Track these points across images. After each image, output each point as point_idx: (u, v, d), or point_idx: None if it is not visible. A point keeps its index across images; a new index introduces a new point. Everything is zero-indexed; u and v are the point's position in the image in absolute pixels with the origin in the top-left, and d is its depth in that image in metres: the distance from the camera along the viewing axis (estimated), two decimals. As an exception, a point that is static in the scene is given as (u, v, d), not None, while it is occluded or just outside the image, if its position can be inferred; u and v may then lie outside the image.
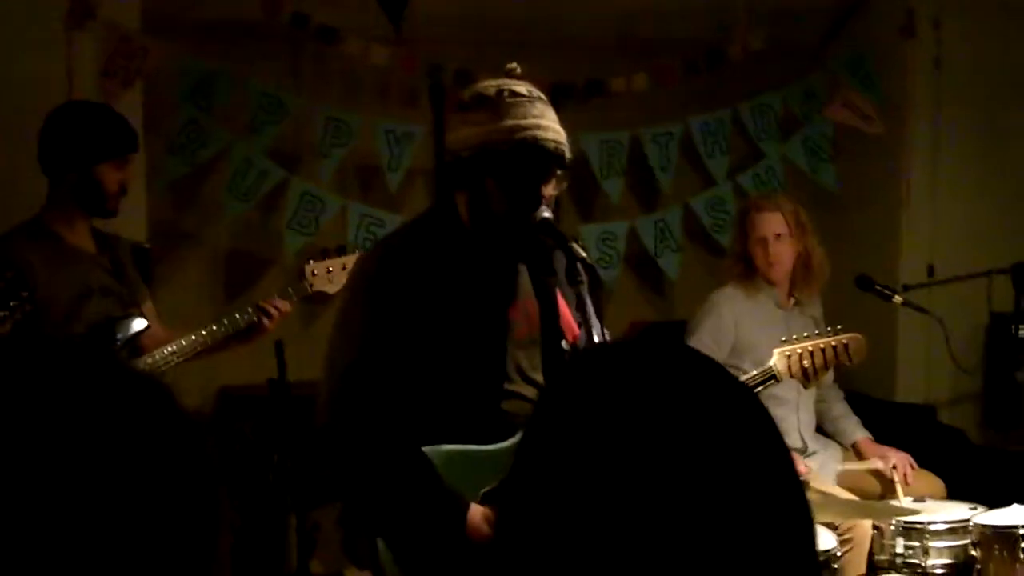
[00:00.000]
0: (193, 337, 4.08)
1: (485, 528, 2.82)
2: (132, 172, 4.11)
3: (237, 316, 4.17)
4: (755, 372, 3.49)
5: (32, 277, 3.83)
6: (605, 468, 1.09)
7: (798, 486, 1.15)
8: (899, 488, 4.49)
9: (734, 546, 1.08)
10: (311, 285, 4.30)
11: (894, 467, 4.60)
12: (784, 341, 3.52)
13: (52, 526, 1.00)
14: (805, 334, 3.56)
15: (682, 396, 1.13)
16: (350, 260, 4.29)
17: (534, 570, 1.12)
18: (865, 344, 3.63)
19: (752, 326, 4.54)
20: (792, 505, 1.13)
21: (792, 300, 4.69)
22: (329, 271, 4.30)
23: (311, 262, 4.31)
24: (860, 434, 4.79)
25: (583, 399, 1.15)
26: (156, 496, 1.06)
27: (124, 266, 4.18)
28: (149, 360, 3.99)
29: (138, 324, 4.06)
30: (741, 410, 1.15)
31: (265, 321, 4.17)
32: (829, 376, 4.47)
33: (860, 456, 4.72)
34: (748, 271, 4.65)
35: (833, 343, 3.54)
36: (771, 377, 3.44)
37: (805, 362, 3.47)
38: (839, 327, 3.69)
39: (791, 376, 3.47)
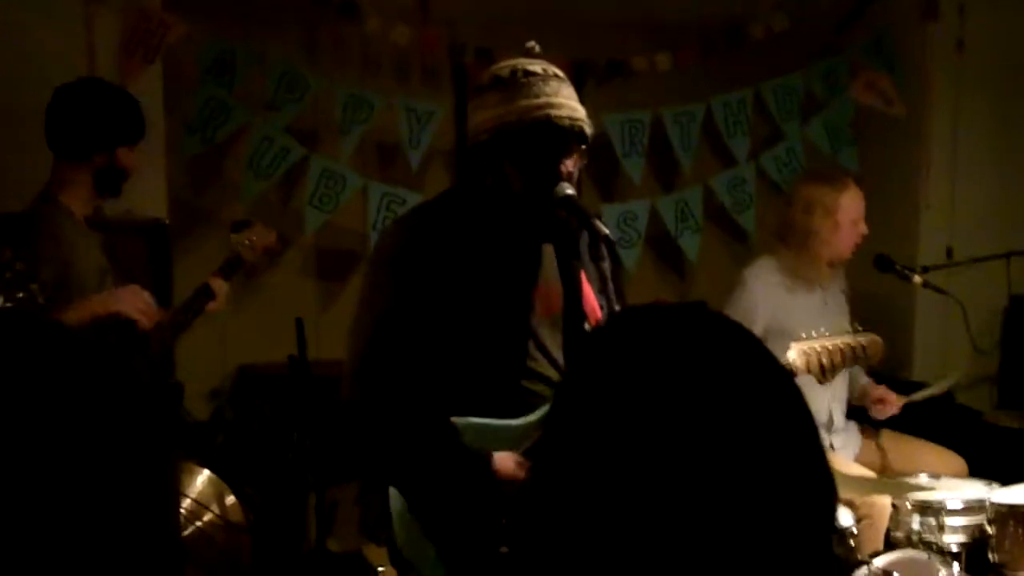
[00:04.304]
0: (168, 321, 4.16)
1: (513, 468, 2.83)
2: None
3: (191, 299, 4.25)
4: None
5: (68, 253, 3.90)
6: (634, 428, 1.10)
7: (823, 461, 1.16)
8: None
9: (754, 512, 1.09)
10: (243, 257, 4.41)
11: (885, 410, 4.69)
12: (804, 337, 3.52)
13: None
14: (825, 332, 3.56)
15: (713, 360, 1.14)
16: (260, 231, 4.44)
17: (563, 530, 1.13)
18: (883, 346, 3.63)
19: (789, 309, 4.49)
20: (815, 479, 1.14)
21: (829, 270, 4.65)
22: (251, 241, 4.41)
23: (234, 235, 4.41)
24: (864, 379, 4.80)
25: (614, 363, 1.16)
26: (96, 461, 1.08)
27: (114, 246, 4.26)
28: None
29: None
30: (770, 380, 1.16)
31: (210, 304, 4.25)
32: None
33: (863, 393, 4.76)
34: (801, 247, 4.58)
35: (852, 343, 3.55)
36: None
37: (824, 360, 3.48)
38: (859, 327, 3.70)
39: (808, 372, 3.48)
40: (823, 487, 1.15)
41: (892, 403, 4.69)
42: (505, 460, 2.86)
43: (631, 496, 1.09)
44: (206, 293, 4.23)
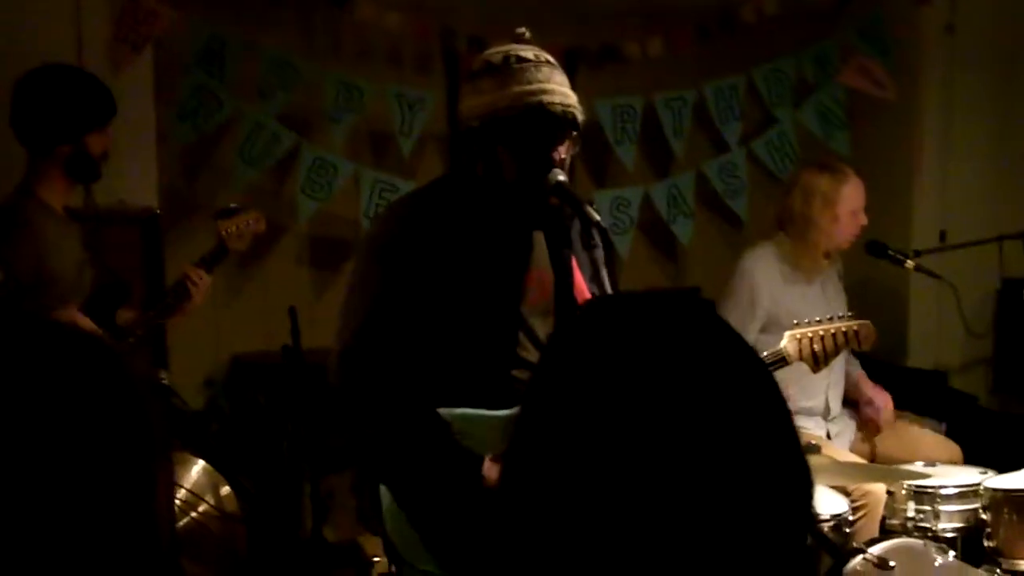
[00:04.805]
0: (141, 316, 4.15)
1: None
2: (111, 134, 4.07)
3: (170, 292, 4.21)
4: (765, 354, 3.48)
5: (44, 249, 3.87)
6: (604, 418, 1.10)
7: (799, 454, 1.15)
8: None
9: (726, 505, 1.08)
10: (228, 246, 4.34)
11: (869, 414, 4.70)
12: (796, 324, 3.52)
13: None
14: (817, 319, 3.55)
15: (686, 350, 1.14)
16: (248, 218, 4.37)
17: (535, 524, 1.13)
18: (875, 331, 3.63)
19: (787, 299, 4.48)
20: (790, 472, 1.14)
21: (827, 261, 4.65)
22: (238, 228, 4.34)
23: (221, 222, 4.34)
24: (857, 372, 4.79)
25: (586, 349, 1.16)
26: (88, 448, 1.08)
27: (92, 234, 4.17)
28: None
29: (125, 293, 4.11)
30: (745, 371, 1.15)
31: (192, 291, 4.18)
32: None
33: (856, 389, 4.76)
34: (800, 235, 4.57)
35: (844, 329, 3.54)
36: (780, 360, 3.45)
37: (815, 347, 3.47)
38: (851, 313, 3.70)
39: (801, 360, 3.47)
40: (798, 481, 1.14)
41: (878, 412, 4.70)
42: (494, 468, 2.85)
43: (600, 486, 1.08)
44: (183, 290, 4.18)
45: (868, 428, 4.74)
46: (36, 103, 3.92)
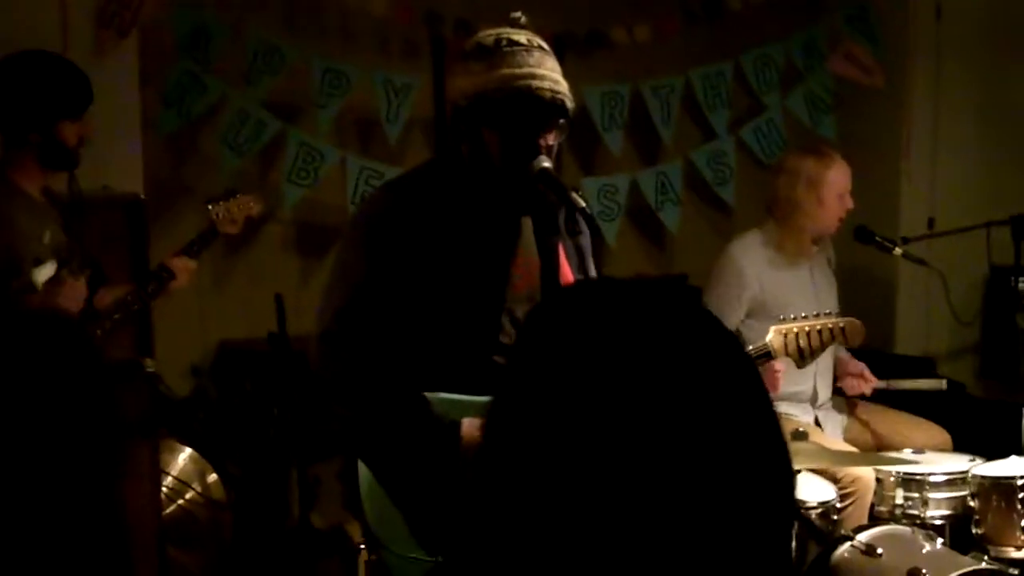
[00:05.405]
0: (119, 300, 4.08)
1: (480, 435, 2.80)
2: (90, 122, 3.97)
3: (152, 279, 4.17)
4: (750, 348, 3.48)
5: (12, 234, 3.80)
6: (580, 402, 1.09)
7: (780, 445, 1.13)
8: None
9: (704, 494, 1.07)
10: (218, 229, 4.33)
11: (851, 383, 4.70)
12: (782, 319, 3.52)
13: None
14: (804, 314, 3.54)
15: (664, 334, 1.12)
16: (243, 201, 4.36)
17: (511, 508, 1.12)
18: (863, 329, 3.62)
19: (775, 286, 4.49)
20: (770, 461, 1.12)
21: (815, 247, 4.65)
22: (229, 212, 4.33)
23: (212, 206, 4.33)
24: (844, 353, 4.78)
25: (562, 333, 1.14)
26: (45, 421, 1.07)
27: (72, 220, 4.06)
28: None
29: (99, 276, 4.07)
30: (723, 357, 1.14)
31: (172, 283, 4.15)
32: None
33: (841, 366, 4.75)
34: (786, 219, 4.57)
35: (831, 325, 3.53)
36: (766, 354, 3.44)
37: (801, 342, 3.47)
38: (839, 310, 3.70)
39: (787, 355, 3.47)
40: (778, 471, 1.13)
41: (868, 382, 4.69)
42: (473, 427, 2.84)
43: (575, 473, 1.07)
44: (161, 279, 4.14)
45: (853, 399, 4.73)
46: (7, 89, 3.86)
